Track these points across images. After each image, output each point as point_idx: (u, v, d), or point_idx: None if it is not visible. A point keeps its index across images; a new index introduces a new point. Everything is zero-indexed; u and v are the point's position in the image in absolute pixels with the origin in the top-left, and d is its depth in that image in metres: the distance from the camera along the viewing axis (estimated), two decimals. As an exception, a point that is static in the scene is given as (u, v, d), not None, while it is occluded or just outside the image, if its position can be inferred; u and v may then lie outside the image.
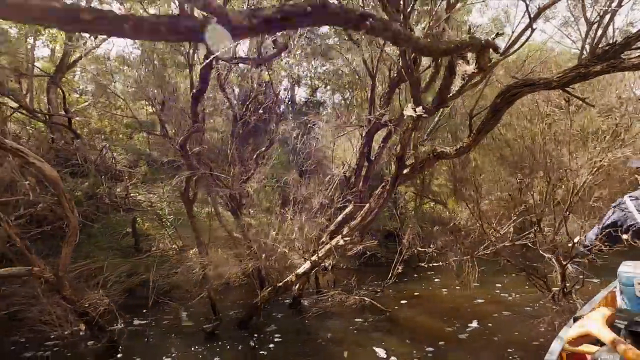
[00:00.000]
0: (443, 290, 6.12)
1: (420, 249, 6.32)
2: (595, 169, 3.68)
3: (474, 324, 4.55)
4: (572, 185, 3.74)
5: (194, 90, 4.08)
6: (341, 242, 3.49)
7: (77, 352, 3.68)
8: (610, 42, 2.90)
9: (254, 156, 5.51)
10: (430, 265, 6.20)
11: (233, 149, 5.27)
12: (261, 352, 3.75)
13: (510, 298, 5.48)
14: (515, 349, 3.82)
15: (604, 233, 2.21)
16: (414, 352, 3.72)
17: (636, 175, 2.23)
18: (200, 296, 4.55)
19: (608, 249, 2.37)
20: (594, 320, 0.84)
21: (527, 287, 5.29)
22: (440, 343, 3.95)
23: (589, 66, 2.68)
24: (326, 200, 4.52)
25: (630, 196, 2.12)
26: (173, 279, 5.66)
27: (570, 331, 1.11)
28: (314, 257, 3.54)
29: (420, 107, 2.90)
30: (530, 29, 3.25)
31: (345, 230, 3.57)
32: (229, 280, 5.00)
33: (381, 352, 3.64)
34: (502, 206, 6.20)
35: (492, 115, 3.05)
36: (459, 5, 3.90)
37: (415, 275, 6.93)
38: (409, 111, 2.93)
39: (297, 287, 4.44)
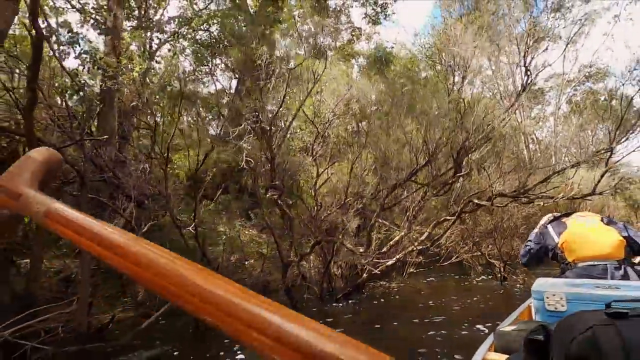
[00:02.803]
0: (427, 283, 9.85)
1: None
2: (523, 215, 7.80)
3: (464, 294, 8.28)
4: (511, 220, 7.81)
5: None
6: (416, 249, 6.90)
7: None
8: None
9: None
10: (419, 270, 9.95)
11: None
12: (365, 306, 6.91)
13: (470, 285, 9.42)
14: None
15: (529, 253, 2.43)
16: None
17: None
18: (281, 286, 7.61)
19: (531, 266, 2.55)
20: None
21: (480, 281, 9.31)
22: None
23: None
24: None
25: (551, 221, 2.41)
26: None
27: None
28: (398, 256, 6.88)
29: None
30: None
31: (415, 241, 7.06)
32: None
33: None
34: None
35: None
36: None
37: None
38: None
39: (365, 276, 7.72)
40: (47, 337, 3.97)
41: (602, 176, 5.42)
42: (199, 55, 10.67)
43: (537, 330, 1.13)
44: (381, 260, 6.85)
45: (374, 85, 7.21)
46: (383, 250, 7.08)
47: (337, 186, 7.41)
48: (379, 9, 17.93)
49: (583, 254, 2.12)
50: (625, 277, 1.97)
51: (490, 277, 9.05)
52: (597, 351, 0.93)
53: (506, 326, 1.83)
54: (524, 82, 5.11)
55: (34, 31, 3.26)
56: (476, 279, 9.27)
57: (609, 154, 6.29)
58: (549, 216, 2.60)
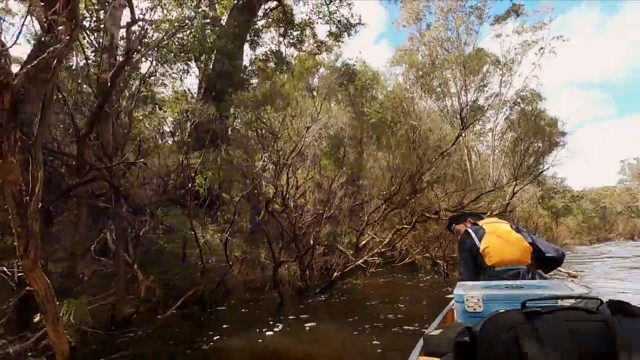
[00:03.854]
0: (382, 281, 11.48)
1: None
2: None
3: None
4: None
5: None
6: (379, 251, 8.36)
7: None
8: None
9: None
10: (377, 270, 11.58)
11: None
12: (333, 301, 8.25)
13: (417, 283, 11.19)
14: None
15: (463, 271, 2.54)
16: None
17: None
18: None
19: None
20: None
21: (422, 282, 11.11)
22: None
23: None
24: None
25: (471, 228, 2.62)
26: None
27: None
28: (365, 257, 8.30)
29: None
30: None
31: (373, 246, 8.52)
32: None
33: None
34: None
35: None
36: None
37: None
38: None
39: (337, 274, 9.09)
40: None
41: (510, 199, 7.27)
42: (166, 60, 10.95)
43: (464, 332, 1.19)
44: (350, 262, 8.29)
45: (345, 114, 8.66)
46: (352, 252, 8.53)
47: (314, 198, 8.74)
48: (342, 28, 19.64)
49: (500, 259, 2.36)
50: (533, 279, 2.23)
51: (436, 275, 10.86)
52: (519, 349, 0.99)
53: (433, 330, 1.95)
54: (461, 126, 6.82)
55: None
56: (425, 276, 11.06)
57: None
58: (466, 223, 2.86)
